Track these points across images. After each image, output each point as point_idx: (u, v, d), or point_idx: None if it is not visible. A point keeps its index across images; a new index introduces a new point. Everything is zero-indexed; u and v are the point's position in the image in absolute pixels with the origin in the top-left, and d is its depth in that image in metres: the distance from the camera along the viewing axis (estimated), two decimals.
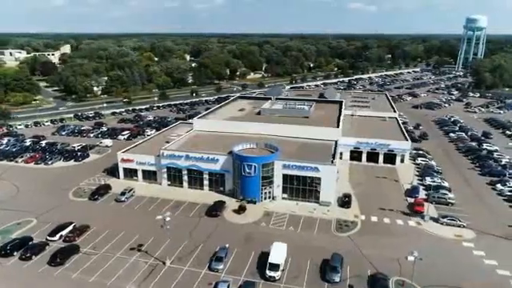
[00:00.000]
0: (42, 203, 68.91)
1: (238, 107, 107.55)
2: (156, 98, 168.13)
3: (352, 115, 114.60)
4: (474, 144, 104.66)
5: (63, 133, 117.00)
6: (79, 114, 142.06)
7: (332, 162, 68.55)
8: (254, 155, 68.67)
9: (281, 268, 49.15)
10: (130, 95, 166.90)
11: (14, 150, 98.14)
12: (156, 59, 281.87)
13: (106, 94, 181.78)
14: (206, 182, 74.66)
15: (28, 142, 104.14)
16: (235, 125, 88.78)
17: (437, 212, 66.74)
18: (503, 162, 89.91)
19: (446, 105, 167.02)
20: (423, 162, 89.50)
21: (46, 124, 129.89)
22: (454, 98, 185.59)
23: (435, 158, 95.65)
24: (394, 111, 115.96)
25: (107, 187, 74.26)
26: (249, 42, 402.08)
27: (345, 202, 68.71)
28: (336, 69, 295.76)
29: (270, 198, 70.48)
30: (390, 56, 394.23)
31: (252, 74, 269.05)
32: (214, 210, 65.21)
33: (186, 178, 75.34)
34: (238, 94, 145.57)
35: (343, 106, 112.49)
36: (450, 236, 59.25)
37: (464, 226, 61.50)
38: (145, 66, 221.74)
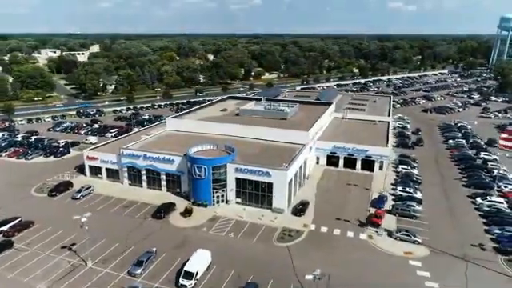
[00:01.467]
0: (3, 197, 70.83)
1: (221, 107, 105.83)
2: (158, 97, 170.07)
3: (342, 118, 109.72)
4: (469, 152, 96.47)
5: (57, 129, 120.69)
6: (81, 111, 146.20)
7: (286, 167, 65.00)
8: (204, 157, 66.61)
9: (196, 277, 46.92)
10: (132, 94, 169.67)
11: (3, 144, 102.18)
12: (178, 58, 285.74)
13: (117, 93, 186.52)
14: (163, 183, 73.63)
15: (19, 138, 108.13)
16: (206, 125, 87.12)
17: (396, 225, 61.74)
18: (495, 173, 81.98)
19: (461, 109, 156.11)
20: (404, 170, 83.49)
21: (47, 120, 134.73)
22: (472, 101, 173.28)
23: (422, 166, 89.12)
24: (388, 115, 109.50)
25: (68, 184, 75.06)
26: (275, 43, 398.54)
27: (298, 209, 65.10)
28: (357, 70, 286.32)
29: (223, 201, 68.27)
30: (419, 57, 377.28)
31: (267, 74, 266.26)
32: (160, 212, 63.90)
33: (144, 177, 74.68)
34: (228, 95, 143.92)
35: (332, 109, 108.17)
36: (399, 253, 54.26)
37: (419, 243, 56.17)
38: (161, 66, 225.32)
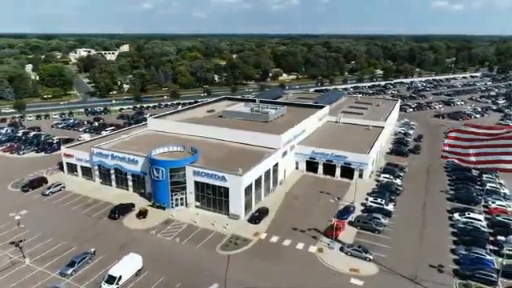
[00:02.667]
0: None
1: (209, 108, 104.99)
2: (166, 97, 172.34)
3: (336, 122, 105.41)
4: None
5: (60, 126, 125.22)
6: (88, 109, 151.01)
7: (241, 172, 62.65)
8: (161, 159, 65.86)
9: (119, 281, 46.08)
10: (140, 93, 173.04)
11: (3, 139, 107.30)
12: (203, 58, 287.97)
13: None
14: (130, 183, 73.77)
15: (20, 133, 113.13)
16: (183, 126, 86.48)
17: (354, 239, 57.84)
18: (487, 187, 75.05)
19: (478, 115, 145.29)
20: (385, 180, 78.48)
21: (55, 117, 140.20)
22: (494, 107, 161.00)
23: (409, 175, 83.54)
24: (385, 120, 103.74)
25: (42, 180, 77.05)
26: (303, 43, 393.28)
27: (255, 217, 62.74)
28: (381, 71, 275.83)
29: (182, 204, 67.19)
30: (454, 59, 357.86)
31: (285, 75, 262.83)
32: (114, 212, 63.85)
33: (113, 177, 75.20)
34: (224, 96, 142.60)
35: (324, 112, 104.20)
36: (344, 269, 50.58)
37: (370, 260, 52.13)
38: (179, 66, 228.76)
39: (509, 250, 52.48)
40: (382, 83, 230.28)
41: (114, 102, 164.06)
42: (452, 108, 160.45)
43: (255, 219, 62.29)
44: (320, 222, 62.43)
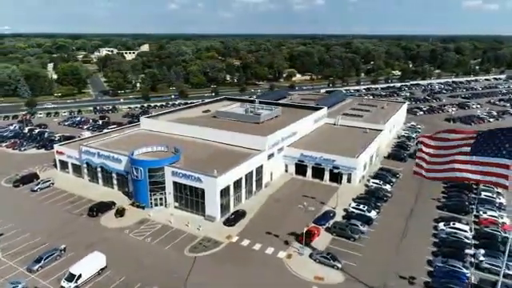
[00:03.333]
0: None
1: (205, 108, 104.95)
2: (173, 96, 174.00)
3: (334, 124, 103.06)
4: None
5: (66, 123, 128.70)
6: (97, 107, 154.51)
7: (216, 174, 61.95)
8: (139, 158, 66.15)
9: (78, 279, 46.42)
10: (147, 92, 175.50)
11: (10, 135, 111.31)
12: (220, 58, 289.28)
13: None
14: (114, 182, 74.60)
15: (26, 130, 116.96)
16: (174, 126, 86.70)
17: (328, 245, 56.10)
18: (482, 196, 71.17)
19: (492, 119, 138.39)
20: (374, 185, 75.87)
21: (64, 114, 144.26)
22: None
23: (402, 181, 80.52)
24: (384, 123, 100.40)
25: (33, 176, 79.12)
26: (324, 44, 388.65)
27: (230, 219, 62.03)
28: (399, 72, 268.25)
29: (161, 204, 67.28)
30: (479, 60, 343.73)
31: (299, 75, 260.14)
32: (93, 210, 64.63)
33: (100, 175, 76.30)
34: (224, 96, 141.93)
35: (320, 114, 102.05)
36: (309, 277, 49.02)
37: (338, 268, 50.33)
38: (191, 66, 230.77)
39: (489, 264, 49.73)
40: (398, 85, 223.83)
41: (122, 100, 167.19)
42: (466, 111, 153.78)
43: (230, 222, 61.58)
44: (297, 226, 60.69)
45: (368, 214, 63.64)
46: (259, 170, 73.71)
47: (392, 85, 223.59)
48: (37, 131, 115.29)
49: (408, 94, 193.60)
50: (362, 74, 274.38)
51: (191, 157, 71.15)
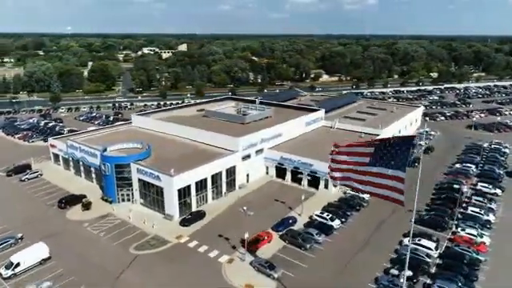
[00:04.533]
0: None
1: (200, 107, 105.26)
2: (189, 95, 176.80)
3: (331, 127, 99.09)
4: (461, 182, 77.14)
5: (81, 118, 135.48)
6: (116, 104, 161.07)
7: (176, 172, 61.70)
8: (107, 154, 67.64)
9: (15, 268, 48.38)
10: (165, 90, 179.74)
11: (26, 127, 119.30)
12: (253, 58, 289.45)
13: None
14: (93, 176, 77.07)
15: (42, 123, 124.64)
16: (160, 124, 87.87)
17: (274, 253, 53.84)
18: (468, 211, 64.65)
19: None
20: (351, 193, 71.67)
21: (84, 110, 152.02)
22: None
23: None
24: (382, 128, 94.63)
25: (26, 167, 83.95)
26: (366, 45, 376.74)
27: (186, 219, 61.60)
28: (436, 74, 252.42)
29: (129, 200, 68.43)
30: None
31: (327, 76, 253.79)
32: (62, 202, 67.11)
33: (82, 169, 79.27)
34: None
35: (315, 116, 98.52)
36: (239, 284, 47.23)
37: (274, 278, 48.03)
38: (214, 65, 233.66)
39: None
40: (430, 88, 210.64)
41: (139, 97, 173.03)
42: (495, 118, 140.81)
43: (186, 222, 61.14)
44: (253, 231, 58.84)
45: (330, 223, 60.21)
46: (231, 170, 72.58)
47: (423, 88, 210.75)
48: (50, 125, 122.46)
49: (437, 98, 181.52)
50: (396, 76, 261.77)
51: (165, 155, 71.71)
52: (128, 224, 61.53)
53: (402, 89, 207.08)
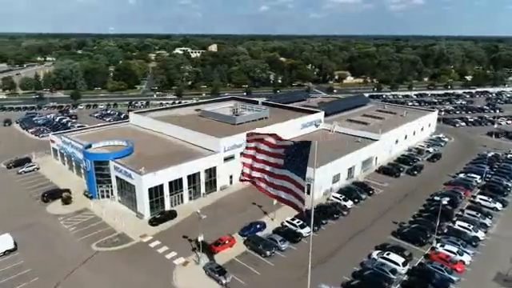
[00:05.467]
0: None
1: (198, 107, 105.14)
2: (204, 94, 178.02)
3: (329, 131, 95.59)
4: (459, 193, 71.28)
5: (95, 115, 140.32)
6: (132, 102, 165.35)
7: (142, 171, 61.56)
8: (88, 151, 68.96)
9: None
10: (180, 89, 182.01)
11: (41, 122, 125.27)
12: (281, 59, 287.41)
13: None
14: (82, 171, 79.02)
15: (57, 119, 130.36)
16: (153, 123, 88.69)
17: (232, 258, 52.25)
18: (456, 226, 59.51)
19: None
20: (335, 200, 68.38)
21: (100, 107, 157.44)
22: None
23: (377, 198, 71.40)
24: (380, 133, 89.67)
25: (26, 160, 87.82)
26: (402, 45, 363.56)
27: (155, 219, 61.55)
28: (471, 77, 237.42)
29: (108, 196, 69.47)
30: None
31: (352, 78, 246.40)
32: (44, 195, 69.25)
33: (73, 164, 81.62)
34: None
35: (313, 118, 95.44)
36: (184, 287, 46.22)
37: (222, 284, 46.51)
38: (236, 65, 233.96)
39: None
40: (460, 91, 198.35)
41: (155, 96, 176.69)
42: None
43: (155, 221, 61.00)
44: (223, 233, 57.73)
45: (299, 231, 57.64)
46: (212, 171, 71.71)
47: (452, 91, 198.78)
48: (63, 120, 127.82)
49: (464, 103, 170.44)
50: (426, 79, 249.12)
51: (148, 153, 72.18)
52: (100, 220, 62.34)
53: (428, 92, 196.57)
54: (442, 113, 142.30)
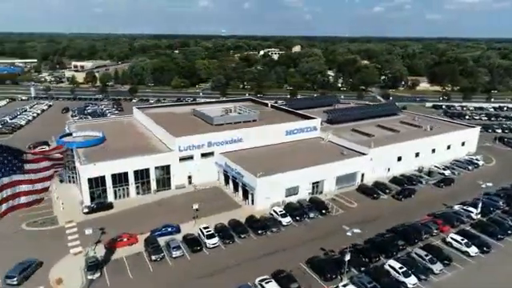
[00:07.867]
0: None
1: (193, 107, 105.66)
2: (247, 95, 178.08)
3: (322, 139, 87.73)
4: (428, 227, 58.15)
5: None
6: (181, 98, 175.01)
7: (89, 162, 65.12)
8: (63, 140, 75.74)
9: None
10: (225, 89, 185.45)
11: (90, 112, 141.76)
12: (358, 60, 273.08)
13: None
14: None
15: (103, 110, 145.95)
16: (145, 119, 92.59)
17: (126, 255, 52.28)
18: (386, 266, 49.07)
19: None
20: (273, 214, 62.59)
21: (150, 102, 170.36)
22: None
23: (327, 218, 63.30)
24: (369, 147, 78.30)
25: (44, 143, 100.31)
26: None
27: (90, 207, 64.87)
28: None
29: (74, 182, 75.34)
30: None
31: (427, 85, 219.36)
32: None
33: None
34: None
35: (307, 125, 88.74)
36: (53, 276, 47.75)
37: (87, 278, 46.96)
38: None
39: None
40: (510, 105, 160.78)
41: (201, 94, 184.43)
42: None
43: (89, 210, 64.22)
44: (138, 231, 58.17)
45: (204, 240, 54.53)
46: (165, 169, 72.30)
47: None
48: (104, 110, 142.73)
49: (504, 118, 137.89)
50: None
51: (117, 146, 76.21)
52: (48, 202, 67.81)
53: (490, 105, 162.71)
54: (500, 130, 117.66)
